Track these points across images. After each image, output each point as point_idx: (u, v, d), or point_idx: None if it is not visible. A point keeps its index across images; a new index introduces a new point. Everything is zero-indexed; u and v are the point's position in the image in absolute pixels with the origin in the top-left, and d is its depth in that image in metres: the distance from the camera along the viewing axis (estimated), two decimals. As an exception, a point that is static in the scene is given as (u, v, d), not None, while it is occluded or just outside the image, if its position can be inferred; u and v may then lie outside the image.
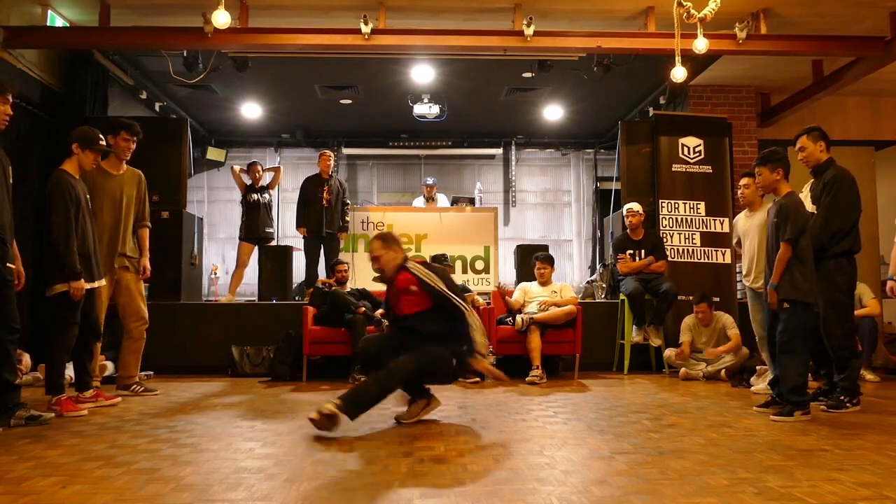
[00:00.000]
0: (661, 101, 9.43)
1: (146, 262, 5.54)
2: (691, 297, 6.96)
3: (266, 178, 8.92)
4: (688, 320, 6.85)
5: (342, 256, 8.29)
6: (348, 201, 8.78)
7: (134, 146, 5.46)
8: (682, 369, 6.58)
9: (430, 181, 10.22)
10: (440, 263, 7.05)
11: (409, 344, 4.19)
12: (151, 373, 6.48)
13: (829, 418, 4.38)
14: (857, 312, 5.72)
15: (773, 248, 4.49)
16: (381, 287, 8.40)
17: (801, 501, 2.53)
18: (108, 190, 5.32)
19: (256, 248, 8.56)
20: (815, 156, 4.87)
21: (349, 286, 7.27)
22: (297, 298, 8.19)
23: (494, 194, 13.01)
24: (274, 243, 8.90)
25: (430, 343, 4.16)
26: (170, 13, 6.91)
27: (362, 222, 9.30)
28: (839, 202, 4.71)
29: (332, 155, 8.69)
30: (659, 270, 7.14)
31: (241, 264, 8.63)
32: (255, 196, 8.59)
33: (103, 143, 4.92)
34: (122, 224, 5.37)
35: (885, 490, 2.67)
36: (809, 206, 4.92)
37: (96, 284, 4.86)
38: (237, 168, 8.84)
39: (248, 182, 8.72)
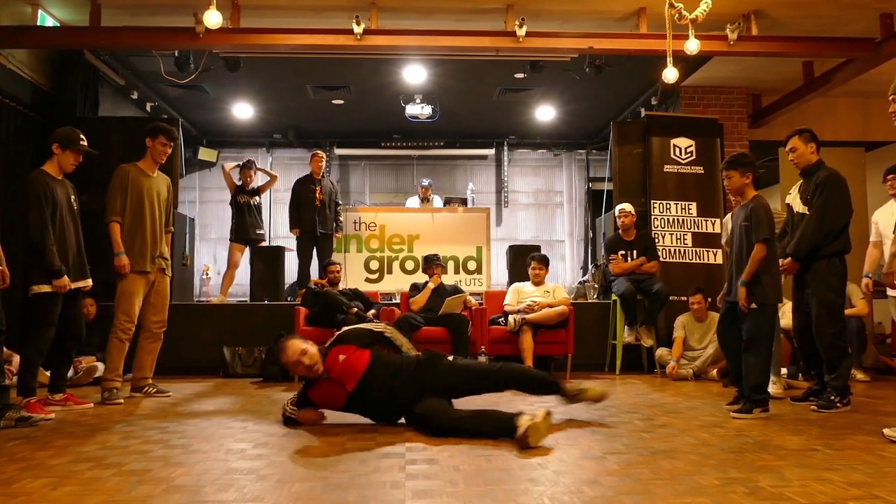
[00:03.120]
0: (653, 101, 9.45)
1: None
2: (684, 297, 6.99)
3: (257, 181, 8.89)
4: (681, 318, 6.87)
5: (334, 257, 8.29)
6: (340, 202, 8.78)
7: (170, 151, 5.51)
8: (671, 363, 6.59)
9: (425, 182, 10.22)
10: (432, 264, 7.06)
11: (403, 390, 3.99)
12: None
13: (819, 418, 4.40)
14: (846, 312, 5.75)
15: (744, 249, 4.54)
16: (374, 288, 8.45)
17: (792, 501, 2.54)
18: (147, 190, 5.36)
19: (248, 250, 8.54)
20: (805, 157, 4.91)
21: (341, 286, 7.27)
22: (288, 299, 8.18)
23: (487, 195, 13.01)
24: (265, 244, 8.88)
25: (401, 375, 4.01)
26: (161, 13, 6.88)
27: (354, 223, 9.29)
28: (832, 203, 4.73)
29: (324, 156, 8.68)
30: (651, 271, 7.16)
31: (231, 265, 8.61)
32: (245, 198, 8.55)
33: (84, 143, 4.86)
34: (160, 225, 5.45)
35: (876, 490, 2.68)
36: (799, 207, 4.94)
37: (78, 285, 4.81)
38: (228, 167, 8.81)
39: (239, 182, 8.68)
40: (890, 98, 4.13)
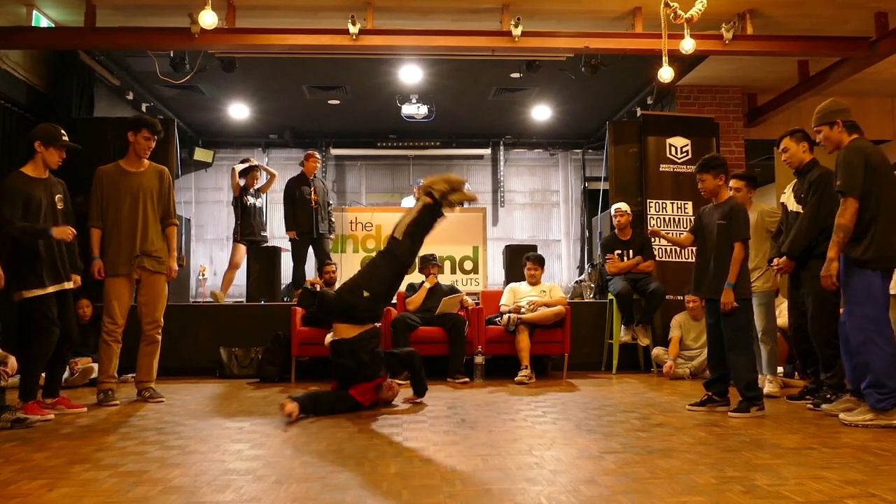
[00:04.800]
0: (649, 101, 9.46)
1: (172, 263, 5.39)
2: (680, 297, 7.00)
3: (261, 180, 8.85)
4: (677, 317, 6.88)
5: (332, 258, 8.27)
6: (332, 202, 8.77)
7: (154, 144, 5.38)
8: (668, 363, 6.60)
9: (421, 182, 10.16)
10: (429, 264, 7.06)
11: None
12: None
13: (815, 416, 4.41)
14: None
15: (721, 247, 4.65)
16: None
17: (789, 500, 2.54)
18: (125, 188, 5.25)
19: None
20: (798, 156, 4.95)
21: (337, 286, 7.24)
22: (285, 299, 8.17)
23: (483, 195, 12.98)
24: (266, 245, 8.82)
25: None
26: (156, 13, 6.86)
27: (351, 223, 9.28)
28: (825, 201, 4.75)
29: (319, 158, 8.66)
30: (647, 270, 7.16)
31: (233, 265, 8.58)
32: (250, 199, 8.52)
33: (66, 138, 4.82)
34: (141, 222, 5.26)
35: (871, 488, 2.69)
36: (793, 206, 4.96)
37: (64, 286, 4.75)
38: (238, 168, 8.71)
39: (243, 184, 8.64)
40: (815, 129, 4.34)
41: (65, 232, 4.61)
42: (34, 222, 4.59)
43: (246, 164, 8.73)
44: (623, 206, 7.43)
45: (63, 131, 4.84)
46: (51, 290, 4.63)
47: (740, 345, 4.58)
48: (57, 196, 4.80)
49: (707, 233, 4.79)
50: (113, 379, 5.21)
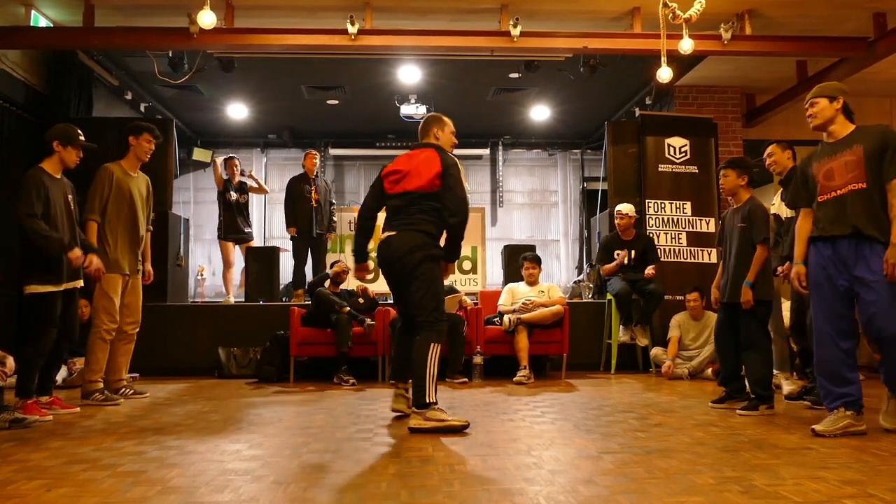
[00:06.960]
0: (648, 101, 9.47)
1: (149, 267, 5.59)
2: (679, 297, 7.00)
3: (243, 176, 8.79)
4: (676, 317, 6.88)
5: (330, 257, 8.26)
6: (334, 201, 8.76)
7: (154, 148, 5.46)
8: (667, 363, 6.59)
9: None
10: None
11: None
12: (137, 375, 6.43)
13: (814, 416, 4.40)
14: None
15: (742, 249, 4.61)
16: (376, 288, 8.24)
17: (787, 500, 2.54)
18: (127, 190, 5.30)
19: (241, 249, 8.48)
20: (782, 163, 5.05)
21: (341, 287, 7.19)
22: (283, 299, 8.16)
23: (482, 195, 13.02)
24: (253, 243, 8.77)
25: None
26: (155, 13, 6.87)
27: (349, 223, 9.28)
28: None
29: (317, 154, 8.65)
30: (649, 275, 7.05)
31: (227, 265, 8.55)
32: (233, 195, 8.44)
33: (83, 138, 4.83)
34: (139, 225, 5.39)
35: (870, 488, 2.69)
36: (787, 213, 5.00)
37: (71, 285, 4.73)
38: (219, 161, 8.70)
39: (226, 177, 8.57)
40: (811, 99, 4.13)
41: (77, 257, 4.59)
42: (46, 220, 4.54)
43: (223, 158, 8.70)
44: (624, 208, 7.29)
45: (79, 131, 4.84)
46: (65, 286, 4.63)
47: (757, 344, 4.56)
48: (69, 196, 4.80)
49: (730, 237, 4.76)
50: (103, 378, 5.22)
